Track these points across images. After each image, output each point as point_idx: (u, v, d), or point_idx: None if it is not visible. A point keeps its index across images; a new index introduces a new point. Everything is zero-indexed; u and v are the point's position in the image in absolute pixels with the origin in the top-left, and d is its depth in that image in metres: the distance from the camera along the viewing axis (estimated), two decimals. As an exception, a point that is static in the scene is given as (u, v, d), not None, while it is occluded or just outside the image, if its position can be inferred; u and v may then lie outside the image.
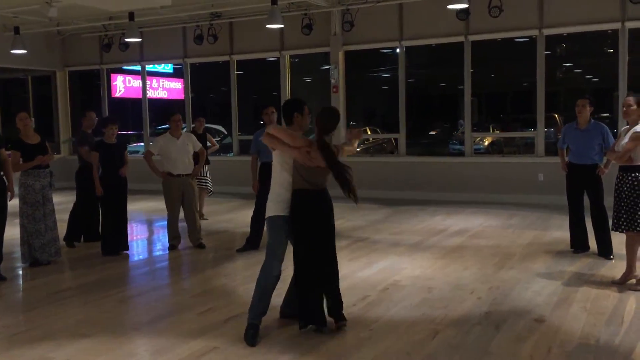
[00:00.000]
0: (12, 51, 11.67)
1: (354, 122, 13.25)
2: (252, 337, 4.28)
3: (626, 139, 5.48)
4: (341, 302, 4.53)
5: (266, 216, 4.45)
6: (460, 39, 11.08)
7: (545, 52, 10.74)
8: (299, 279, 4.44)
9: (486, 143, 15.54)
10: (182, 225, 7.61)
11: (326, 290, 4.47)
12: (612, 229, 5.73)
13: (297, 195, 4.35)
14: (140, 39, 11.61)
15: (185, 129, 9.02)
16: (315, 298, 4.41)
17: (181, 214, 7.51)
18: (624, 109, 5.58)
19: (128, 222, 7.51)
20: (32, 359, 4.10)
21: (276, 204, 4.38)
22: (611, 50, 12.17)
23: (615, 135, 6.34)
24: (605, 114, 12.50)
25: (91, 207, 7.70)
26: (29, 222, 6.66)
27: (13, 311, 5.35)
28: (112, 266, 6.78)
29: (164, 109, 16.74)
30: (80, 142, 7.96)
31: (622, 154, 5.49)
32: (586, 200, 6.69)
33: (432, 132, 17.56)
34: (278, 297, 4.64)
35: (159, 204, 11.28)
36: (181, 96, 15.79)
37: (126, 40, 12.19)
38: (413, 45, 11.74)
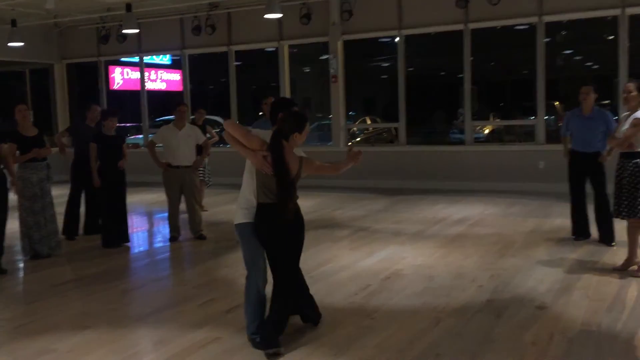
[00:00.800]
0: (9, 44, 11.62)
1: (352, 112, 13.21)
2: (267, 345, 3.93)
3: (626, 125, 5.46)
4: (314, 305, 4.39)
5: (234, 223, 4.07)
6: (460, 27, 11.01)
7: (545, 40, 10.69)
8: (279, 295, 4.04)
9: (486, 131, 15.52)
10: (184, 217, 7.60)
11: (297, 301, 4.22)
12: (613, 216, 5.73)
13: (259, 210, 3.90)
14: (138, 30, 11.52)
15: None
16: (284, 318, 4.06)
17: (183, 206, 7.51)
18: (624, 95, 5.56)
19: (128, 214, 7.50)
20: (35, 351, 4.10)
21: (244, 211, 3.98)
22: (611, 37, 12.10)
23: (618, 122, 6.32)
24: (605, 101, 12.47)
25: (88, 200, 7.69)
26: (28, 215, 6.65)
27: (15, 304, 5.35)
28: (113, 258, 6.77)
29: (162, 100, 16.72)
30: (67, 129, 8.10)
31: (622, 141, 5.47)
32: (587, 188, 6.68)
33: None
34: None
35: (159, 196, 11.27)
36: (180, 88, 15.74)
37: (124, 31, 12.11)
38: (412, 34, 11.67)
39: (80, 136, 7.72)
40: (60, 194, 8.13)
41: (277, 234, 3.93)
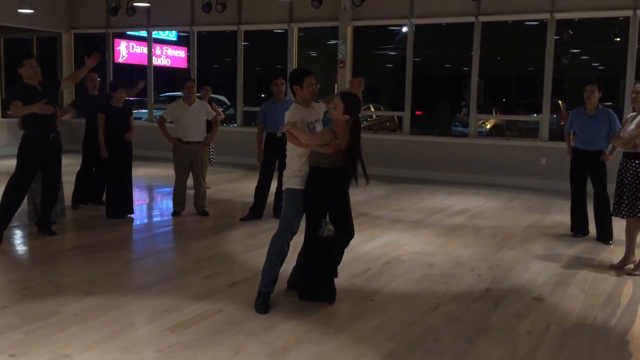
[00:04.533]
0: (19, 10, 11.59)
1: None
2: (262, 304, 4.31)
3: (633, 126, 5.52)
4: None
5: (284, 188, 4.44)
6: (471, 19, 11.01)
7: (555, 37, 10.70)
8: (311, 254, 4.44)
9: (488, 126, 15.59)
10: (189, 192, 7.67)
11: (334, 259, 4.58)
12: (613, 214, 5.81)
13: (314, 173, 4.32)
14: (148, 4, 11.50)
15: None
16: (328, 274, 4.49)
17: (189, 182, 7.57)
18: (633, 95, 5.63)
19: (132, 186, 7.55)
20: (41, 312, 4.17)
21: (295, 178, 4.35)
22: (618, 39, 12.12)
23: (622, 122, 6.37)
24: (609, 103, 12.54)
25: (96, 171, 7.75)
26: (35, 182, 6.66)
27: (21, 267, 5.43)
28: (117, 229, 6.84)
29: (166, 77, 16.68)
30: (72, 103, 8.13)
31: (627, 140, 5.53)
32: (588, 187, 6.75)
33: (417, 112, 17.40)
34: (289, 262, 4.65)
35: (161, 170, 11.35)
36: (184, 65, 15.71)
37: (134, 4, 12.08)
38: (423, 23, 11.66)
39: (89, 107, 7.74)
40: (66, 164, 8.16)
41: (330, 194, 4.34)
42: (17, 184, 6.10)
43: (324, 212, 4.38)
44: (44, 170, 6.24)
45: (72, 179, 7.82)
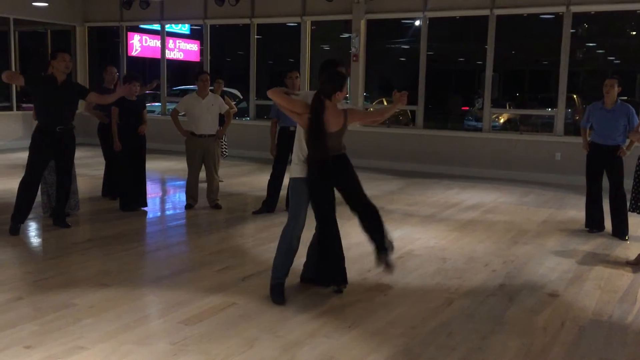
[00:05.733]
0: (33, 4, 11.65)
1: (366, 93, 13.21)
2: (278, 294, 4.37)
3: (651, 121, 5.45)
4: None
5: (290, 177, 4.53)
6: (486, 12, 10.91)
7: (571, 31, 10.57)
8: (323, 239, 4.50)
9: (502, 120, 15.47)
10: (201, 186, 7.68)
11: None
12: (630, 210, 5.75)
13: (310, 165, 4.33)
14: (162, -3, 11.52)
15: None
16: (337, 257, 4.55)
17: (201, 175, 7.58)
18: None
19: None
20: (56, 304, 4.20)
21: (298, 166, 4.39)
22: (634, 33, 11.95)
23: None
24: (624, 97, 12.39)
25: (111, 164, 7.81)
26: (49, 174, 6.71)
27: (36, 258, 5.47)
28: (131, 221, 6.87)
29: (179, 70, 16.70)
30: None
31: (646, 135, 5.47)
32: (604, 182, 6.68)
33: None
34: (300, 257, 4.67)
35: (174, 164, 11.39)
36: (197, 58, 15.74)
37: (148, -3, 12.10)
38: (437, 16, 11.58)
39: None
40: (81, 156, 8.22)
41: (325, 186, 4.35)
42: (27, 180, 6.15)
43: (326, 201, 4.40)
44: (56, 163, 6.29)
45: (89, 171, 7.86)
